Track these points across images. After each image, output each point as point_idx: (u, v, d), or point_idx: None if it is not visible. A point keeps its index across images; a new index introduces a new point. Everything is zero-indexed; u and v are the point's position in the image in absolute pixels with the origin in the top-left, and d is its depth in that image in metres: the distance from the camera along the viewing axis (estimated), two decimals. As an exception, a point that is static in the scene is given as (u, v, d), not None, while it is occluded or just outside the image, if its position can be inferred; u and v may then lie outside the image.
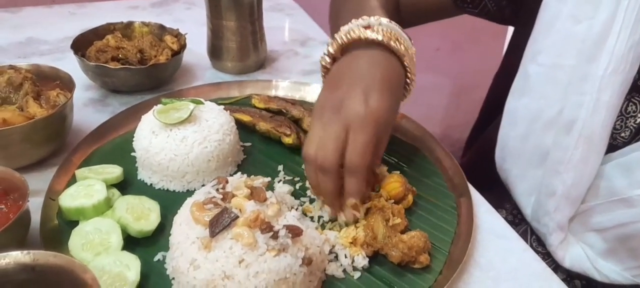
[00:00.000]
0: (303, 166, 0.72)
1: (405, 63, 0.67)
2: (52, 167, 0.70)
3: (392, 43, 0.65)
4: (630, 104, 0.65)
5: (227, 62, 0.98)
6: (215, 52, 0.99)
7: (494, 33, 0.84)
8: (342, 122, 0.60)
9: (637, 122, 0.65)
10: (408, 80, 0.69)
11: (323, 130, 0.60)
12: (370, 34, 0.65)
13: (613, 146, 0.66)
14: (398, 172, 0.71)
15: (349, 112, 0.60)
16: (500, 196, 0.78)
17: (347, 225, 0.63)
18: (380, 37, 0.64)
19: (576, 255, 0.71)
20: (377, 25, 0.66)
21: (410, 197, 0.68)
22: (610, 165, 0.66)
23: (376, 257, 0.61)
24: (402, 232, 0.62)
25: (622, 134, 0.66)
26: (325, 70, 0.70)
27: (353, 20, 0.68)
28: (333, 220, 0.65)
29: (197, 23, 1.07)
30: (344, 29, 0.68)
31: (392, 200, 0.66)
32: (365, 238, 0.61)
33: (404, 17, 0.85)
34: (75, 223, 0.61)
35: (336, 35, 0.68)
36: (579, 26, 0.63)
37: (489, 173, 0.78)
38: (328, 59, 0.69)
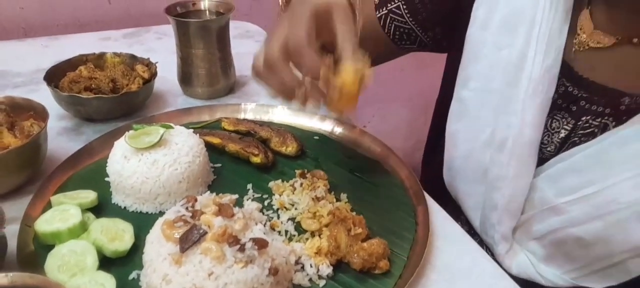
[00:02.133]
0: (270, 184, 0.77)
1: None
2: (27, 195, 0.73)
3: None
4: (554, 120, 0.72)
5: (198, 88, 1.02)
6: (186, 78, 1.03)
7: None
8: (283, 22, 0.62)
9: (561, 136, 0.71)
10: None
11: (277, 29, 0.62)
12: None
13: (542, 159, 0.72)
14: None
15: (288, 13, 0.62)
16: (455, 211, 0.83)
17: (328, 107, 0.63)
18: None
19: (521, 262, 0.77)
20: None
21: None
22: (540, 177, 0.72)
23: (340, 265, 0.65)
24: (363, 241, 0.67)
25: (549, 148, 0.73)
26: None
27: None
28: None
29: (168, 52, 1.11)
30: None
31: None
32: (329, 247, 0.65)
33: None
34: (51, 247, 0.63)
35: None
36: (501, 53, 0.70)
37: (443, 189, 0.83)
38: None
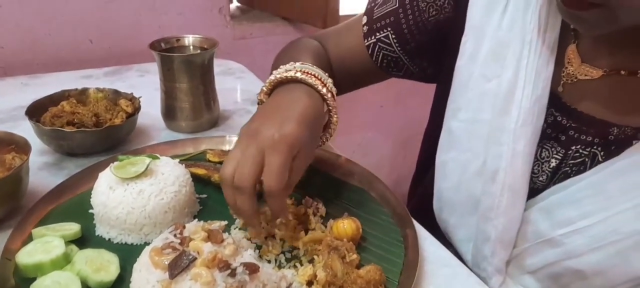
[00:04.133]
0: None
1: (328, 102, 0.73)
2: (7, 229, 0.71)
3: (309, 79, 0.71)
4: (544, 150, 0.73)
5: (181, 121, 1.02)
6: (170, 112, 1.03)
7: (433, 85, 0.93)
8: (258, 145, 0.64)
9: (551, 166, 0.72)
10: (333, 120, 0.75)
11: (240, 153, 0.64)
12: (290, 73, 0.72)
13: (534, 190, 0.73)
14: (346, 213, 0.75)
15: (264, 137, 0.64)
16: (445, 243, 0.83)
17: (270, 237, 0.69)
18: (299, 75, 0.72)
19: None
20: (300, 67, 0.74)
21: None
22: (533, 209, 0.72)
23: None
24: (357, 267, 0.66)
25: (541, 178, 0.73)
26: None
27: (282, 66, 0.75)
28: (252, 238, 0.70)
29: (150, 88, 1.12)
30: (273, 72, 0.75)
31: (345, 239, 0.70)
32: (326, 277, 0.63)
33: (339, 82, 0.92)
34: (33, 281, 0.61)
35: (267, 80, 0.75)
36: (490, 84, 0.72)
37: (431, 222, 0.83)
38: (262, 100, 0.77)
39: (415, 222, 0.76)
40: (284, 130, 0.64)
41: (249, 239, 0.70)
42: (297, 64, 0.75)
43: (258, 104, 0.78)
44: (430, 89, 0.95)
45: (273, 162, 0.63)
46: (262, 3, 1.76)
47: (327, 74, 0.75)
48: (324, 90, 0.73)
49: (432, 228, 0.81)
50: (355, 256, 0.67)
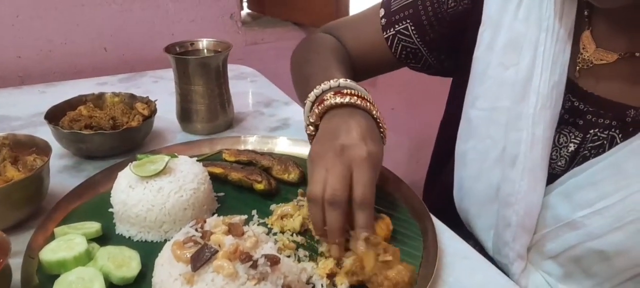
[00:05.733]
0: (271, 206, 0.77)
1: (375, 115, 0.74)
2: (29, 229, 0.72)
3: (363, 104, 0.72)
4: (561, 135, 0.73)
5: (197, 123, 1.03)
6: (185, 115, 1.04)
7: (445, 88, 0.94)
8: (346, 163, 0.65)
9: (570, 150, 0.73)
10: (382, 130, 0.75)
11: (327, 171, 0.65)
12: (341, 100, 0.72)
13: (553, 176, 0.73)
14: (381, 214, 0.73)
15: (353, 154, 0.65)
16: (462, 236, 0.83)
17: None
18: (353, 100, 0.72)
19: (538, 282, 0.76)
20: (344, 88, 0.74)
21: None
22: (552, 194, 0.72)
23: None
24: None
25: (559, 163, 0.74)
26: (311, 138, 0.77)
27: (321, 85, 0.75)
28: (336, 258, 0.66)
29: (165, 93, 1.13)
30: (314, 93, 0.76)
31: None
32: (351, 266, 0.63)
33: (357, 71, 0.93)
34: (56, 278, 0.62)
35: (314, 108, 0.75)
36: (508, 72, 0.73)
37: (449, 215, 0.83)
38: (312, 128, 0.76)
39: (433, 216, 0.76)
40: (369, 147, 0.66)
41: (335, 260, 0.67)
42: (341, 81, 0.75)
43: (308, 125, 0.77)
44: (442, 94, 0.96)
45: (365, 176, 0.64)
46: (272, 9, 1.78)
47: (357, 84, 0.76)
48: (377, 113, 0.74)
49: (449, 222, 0.81)
50: (390, 258, 0.63)
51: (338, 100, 0.73)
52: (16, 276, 0.62)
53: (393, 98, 1.95)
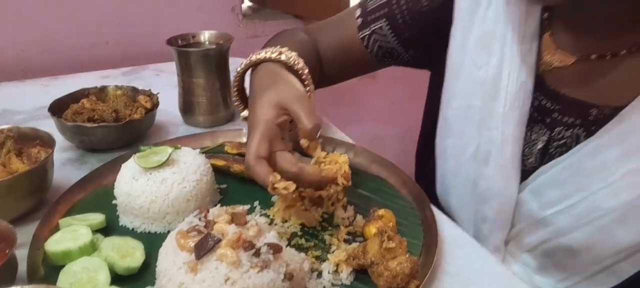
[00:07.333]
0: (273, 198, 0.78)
1: (297, 69, 0.77)
2: (34, 221, 0.72)
3: (280, 56, 0.76)
4: (532, 132, 0.75)
5: (199, 116, 1.04)
6: (187, 107, 1.04)
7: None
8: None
9: (539, 147, 0.74)
10: (305, 81, 0.77)
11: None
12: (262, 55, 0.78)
13: (526, 172, 0.75)
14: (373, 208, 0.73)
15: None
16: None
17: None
18: (271, 55, 0.77)
19: (517, 272, 0.78)
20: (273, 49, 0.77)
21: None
22: (526, 191, 0.74)
23: (359, 277, 0.64)
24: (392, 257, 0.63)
25: (531, 160, 0.75)
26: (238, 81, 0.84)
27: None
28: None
29: (167, 86, 1.13)
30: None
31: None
32: (354, 250, 0.64)
33: (334, 73, 0.94)
34: (61, 268, 0.63)
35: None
36: (480, 71, 0.75)
37: (436, 205, 0.84)
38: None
39: (432, 206, 0.77)
40: (256, 112, 0.69)
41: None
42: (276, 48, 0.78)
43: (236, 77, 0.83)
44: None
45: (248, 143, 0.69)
46: (273, 1, 1.78)
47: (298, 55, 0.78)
48: (289, 58, 0.76)
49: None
50: (394, 245, 0.63)
51: (258, 55, 0.78)
52: (22, 267, 0.63)
53: (393, 91, 1.95)
